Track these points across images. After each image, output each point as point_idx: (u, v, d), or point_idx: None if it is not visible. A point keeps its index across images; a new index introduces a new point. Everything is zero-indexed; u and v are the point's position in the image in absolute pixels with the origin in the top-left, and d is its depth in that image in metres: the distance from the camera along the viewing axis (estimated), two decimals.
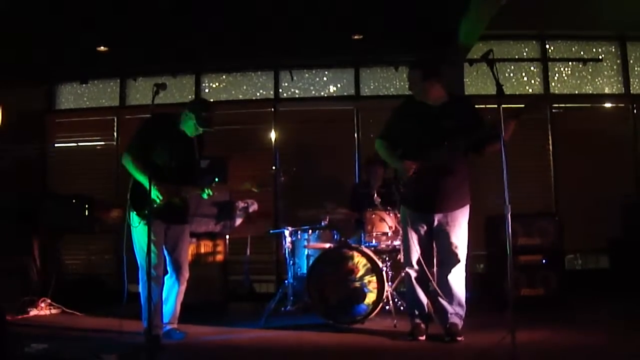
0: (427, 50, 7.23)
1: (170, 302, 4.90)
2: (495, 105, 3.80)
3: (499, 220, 5.50)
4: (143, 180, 4.61)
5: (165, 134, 4.80)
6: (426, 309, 4.70)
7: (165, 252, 4.88)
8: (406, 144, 4.64)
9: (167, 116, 4.95)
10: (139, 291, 4.77)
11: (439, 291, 4.57)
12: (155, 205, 4.59)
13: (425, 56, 4.76)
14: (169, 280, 4.91)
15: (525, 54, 8.24)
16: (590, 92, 8.19)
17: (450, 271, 4.54)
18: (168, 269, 4.93)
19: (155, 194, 4.59)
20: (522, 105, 4.25)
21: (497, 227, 5.99)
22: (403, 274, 4.88)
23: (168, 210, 4.73)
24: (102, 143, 8.56)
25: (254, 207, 6.74)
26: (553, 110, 8.03)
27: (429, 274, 4.60)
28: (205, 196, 4.87)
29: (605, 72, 8.20)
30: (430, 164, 4.45)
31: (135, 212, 4.71)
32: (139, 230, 4.70)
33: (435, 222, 4.57)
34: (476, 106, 4.66)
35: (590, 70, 8.17)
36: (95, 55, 7.67)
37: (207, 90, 8.50)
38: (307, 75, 8.48)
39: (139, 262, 4.74)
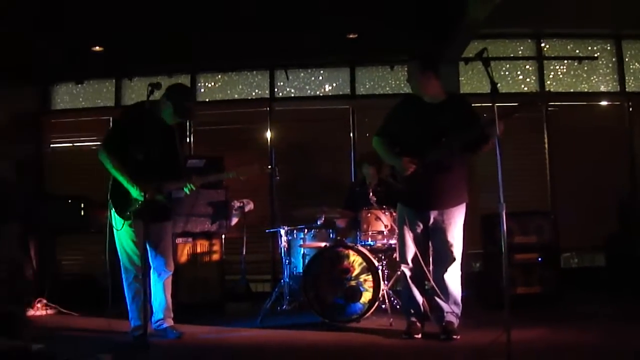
0: (423, 49, 7.21)
1: (160, 296, 4.82)
2: (490, 104, 3.79)
3: (495, 218, 5.55)
4: (121, 178, 4.49)
5: (142, 124, 4.41)
6: (422, 308, 4.69)
7: (149, 248, 4.67)
8: (404, 141, 4.62)
9: (144, 104, 4.48)
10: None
11: (435, 289, 4.58)
12: (137, 206, 4.49)
13: (421, 54, 4.71)
14: (154, 274, 4.82)
15: (520, 52, 8.26)
16: (586, 90, 8.21)
17: (446, 270, 4.53)
18: (152, 263, 4.79)
19: (136, 193, 4.46)
20: (516, 104, 4.26)
21: (493, 225, 6.00)
22: (399, 272, 4.88)
23: (149, 209, 4.43)
24: (98, 143, 8.44)
25: (249, 206, 6.75)
26: (549, 109, 8.03)
27: (426, 272, 4.61)
28: (187, 191, 4.67)
29: (601, 70, 8.22)
30: (428, 161, 4.45)
31: (117, 214, 4.61)
32: (121, 233, 4.61)
33: (431, 220, 4.57)
34: (472, 105, 4.67)
35: (585, 68, 8.20)
36: (90, 55, 7.66)
37: (202, 90, 8.49)
38: (302, 74, 8.48)
39: (122, 264, 4.68)
